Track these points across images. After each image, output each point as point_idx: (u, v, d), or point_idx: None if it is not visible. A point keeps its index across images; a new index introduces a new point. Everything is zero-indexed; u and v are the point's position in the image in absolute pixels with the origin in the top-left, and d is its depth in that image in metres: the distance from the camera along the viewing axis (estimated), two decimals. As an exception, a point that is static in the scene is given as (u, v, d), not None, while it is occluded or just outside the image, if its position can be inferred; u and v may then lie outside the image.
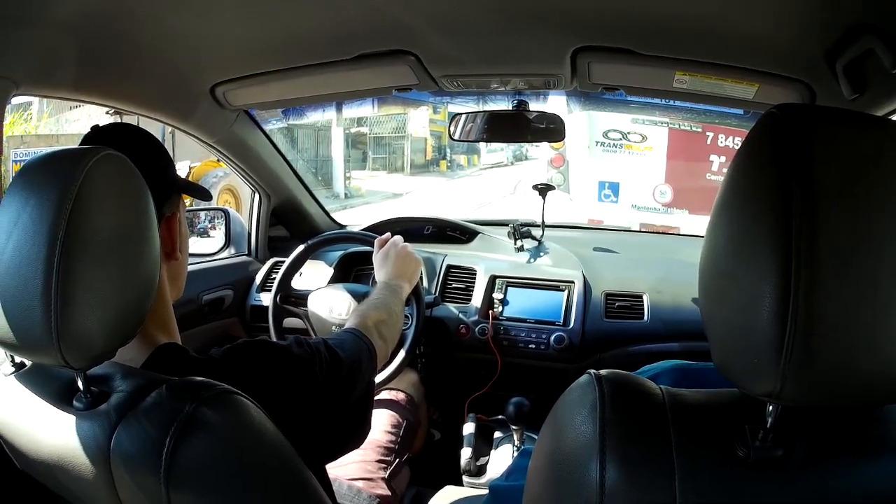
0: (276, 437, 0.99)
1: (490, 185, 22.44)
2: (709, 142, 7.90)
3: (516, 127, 2.39)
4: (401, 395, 2.45)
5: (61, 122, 12.01)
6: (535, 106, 2.32)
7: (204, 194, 1.48)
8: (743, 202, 0.70)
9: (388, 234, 2.16)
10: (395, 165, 27.03)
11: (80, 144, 1.18)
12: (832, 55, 1.46)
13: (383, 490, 2.03)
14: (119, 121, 1.37)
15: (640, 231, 3.84)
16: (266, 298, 2.73)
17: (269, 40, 1.79)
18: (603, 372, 0.81)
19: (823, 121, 0.69)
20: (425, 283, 2.69)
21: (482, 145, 27.25)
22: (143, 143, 1.24)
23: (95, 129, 1.23)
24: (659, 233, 3.92)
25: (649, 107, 8.04)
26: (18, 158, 6.94)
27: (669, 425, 0.75)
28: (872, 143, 0.68)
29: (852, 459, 0.75)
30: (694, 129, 8.00)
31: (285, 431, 1.01)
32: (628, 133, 8.28)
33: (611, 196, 8.48)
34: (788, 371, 0.65)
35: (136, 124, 1.28)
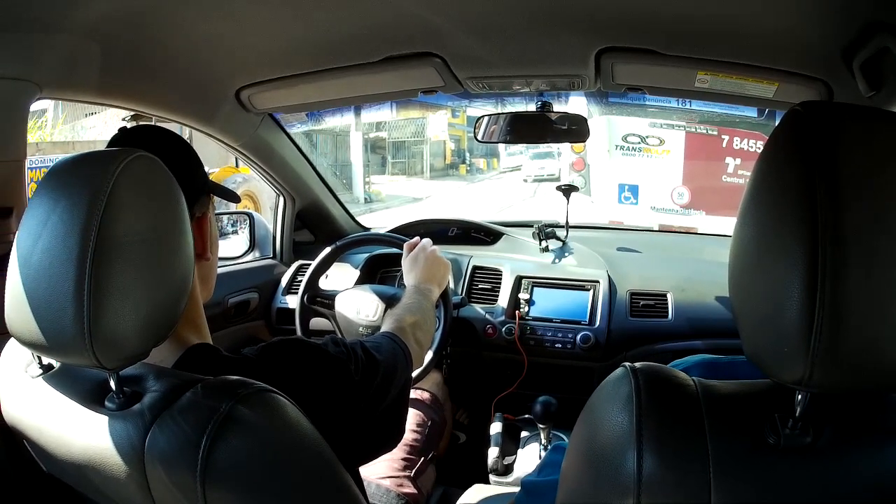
0: (314, 435, 0.99)
1: (510, 189, 22.57)
2: (724, 144, 8.02)
3: (540, 128, 2.38)
4: (426, 395, 2.45)
5: (77, 128, 12.05)
6: (556, 108, 2.32)
7: (232, 196, 1.49)
8: (770, 196, 0.73)
9: (416, 238, 2.16)
10: (414, 169, 26.99)
11: (108, 146, 1.19)
12: (849, 54, 1.47)
13: (410, 489, 2.04)
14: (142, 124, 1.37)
15: (661, 231, 3.82)
16: (292, 301, 2.75)
17: (296, 44, 1.80)
18: (637, 365, 0.83)
19: (845, 117, 0.71)
20: (451, 285, 2.69)
21: (502, 148, 27.26)
22: (171, 145, 1.24)
23: (123, 130, 1.25)
24: (680, 232, 3.90)
25: (666, 110, 8.34)
26: (34, 165, 6.93)
27: (703, 415, 0.76)
28: (893, 138, 0.70)
29: (879, 444, 0.76)
30: (710, 132, 8.16)
31: (320, 431, 1.01)
32: (647, 137, 8.44)
33: (630, 198, 8.58)
34: (816, 358, 0.67)
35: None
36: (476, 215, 3.38)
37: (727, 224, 6.00)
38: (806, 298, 0.66)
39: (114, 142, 1.21)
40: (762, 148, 0.76)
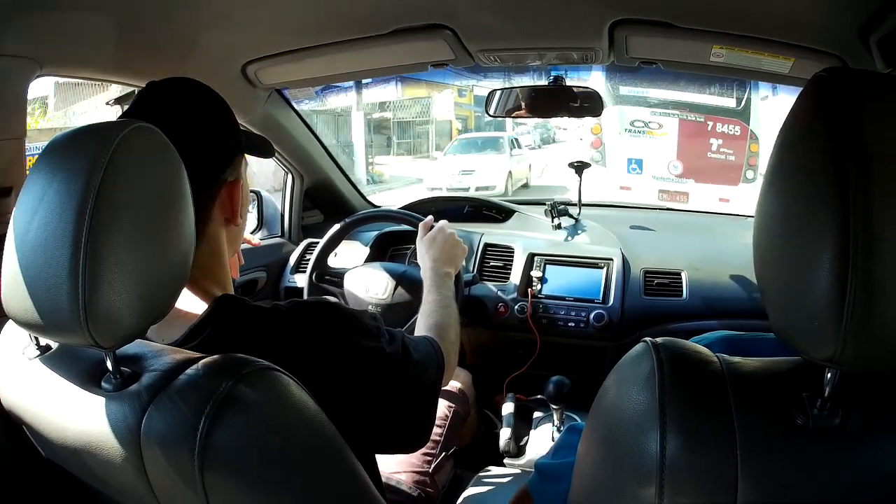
0: (318, 416, 0.96)
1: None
2: (709, 128, 10.44)
3: (555, 101, 2.39)
4: (451, 389, 2.40)
5: (69, 114, 12.05)
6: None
7: (266, 147, 1.48)
8: (796, 168, 0.70)
9: (431, 218, 2.10)
10: (420, 150, 26.60)
11: (133, 101, 1.18)
12: (866, 30, 1.46)
13: (427, 486, 2.00)
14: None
15: (676, 209, 3.84)
16: (300, 280, 2.73)
17: (304, 16, 1.79)
18: (659, 340, 0.80)
19: (873, 83, 0.68)
20: (463, 262, 2.67)
21: (510, 128, 27.01)
22: (209, 103, 1.22)
23: (152, 85, 1.21)
24: (693, 211, 3.89)
25: (664, 103, 10.79)
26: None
27: (729, 393, 0.73)
28: None
29: None
30: (698, 119, 10.55)
31: (333, 407, 0.98)
32: (649, 122, 10.81)
33: (636, 169, 10.96)
34: (849, 334, 0.64)
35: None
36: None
37: (713, 190, 10.17)
38: (837, 272, 0.64)
39: (140, 96, 1.20)
40: (784, 118, 0.74)
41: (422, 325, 1.62)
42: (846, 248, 0.63)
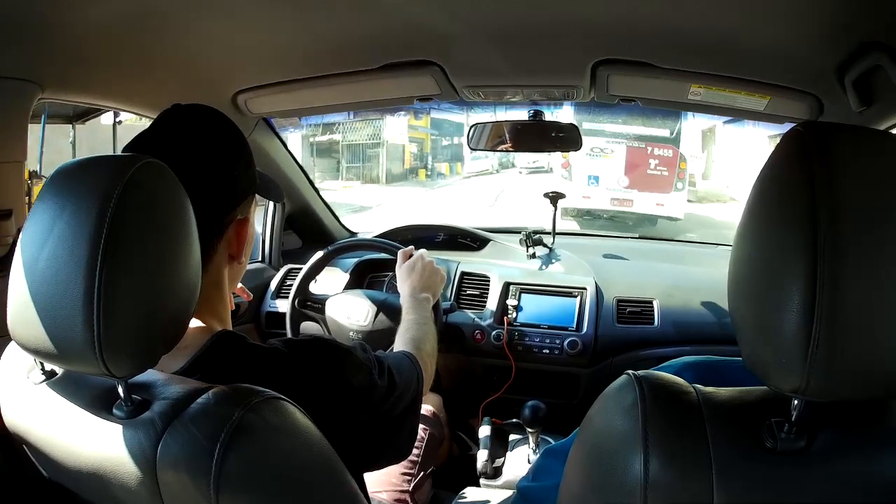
0: (323, 442, 1.00)
1: (470, 195, 21.68)
2: (649, 152, 14.16)
3: (537, 135, 2.44)
4: (427, 410, 2.44)
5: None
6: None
7: (277, 193, 1.48)
8: (771, 212, 0.76)
9: (412, 247, 2.15)
10: (370, 175, 25.96)
11: (152, 125, 1.20)
12: (842, 70, 1.51)
13: (407, 502, 2.04)
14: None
15: (648, 238, 3.89)
16: (282, 305, 2.74)
17: (296, 49, 1.81)
18: (640, 373, 0.86)
19: (847, 139, 0.74)
20: (441, 289, 2.70)
21: (466, 153, 26.39)
22: (226, 138, 1.23)
23: (174, 108, 1.23)
24: (666, 240, 3.97)
25: (615, 134, 14.39)
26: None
27: (705, 421, 0.79)
28: (891, 158, 0.73)
29: (873, 449, 0.80)
30: (639, 145, 14.24)
31: (331, 435, 1.02)
32: (603, 149, 14.26)
33: (594, 183, 14.37)
34: (814, 368, 0.70)
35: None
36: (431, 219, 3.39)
37: (651, 197, 14.05)
38: (805, 310, 0.70)
39: (162, 117, 1.21)
40: (763, 164, 0.79)
41: (399, 342, 1.68)
42: (813, 293, 0.69)
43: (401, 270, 2.06)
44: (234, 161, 1.23)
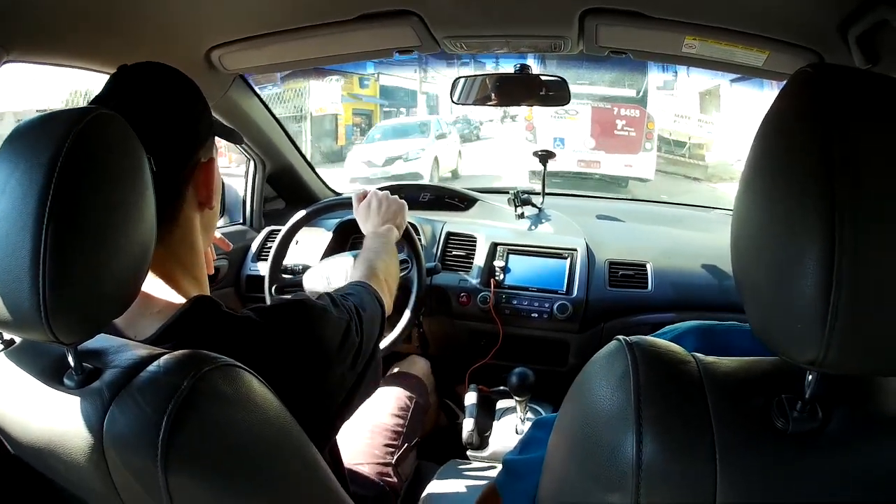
0: (282, 413, 0.95)
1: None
2: (615, 113, 13.78)
3: (523, 89, 2.40)
4: (411, 379, 2.41)
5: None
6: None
7: (235, 136, 1.45)
8: (777, 166, 0.68)
9: (363, 189, 2.12)
10: None
11: (106, 84, 1.16)
12: (845, 25, 1.44)
13: (391, 477, 1.99)
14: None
15: (644, 200, 3.85)
16: (262, 267, 2.68)
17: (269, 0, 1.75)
18: (633, 339, 0.78)
19: (858, 80, 0.66)
20: (424, 243, 2.68)
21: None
22: (179, 86, 1.20)
23: (123, 68, 1.19)
24: (662, 202, 3.91)
25: (579, 95, 13.48)
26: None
27: (707, 395, 0.72)
28: None
29: (891, 430, 0.72)
30: (605, 106, 13.84)
31: (307, 395, 1.03)
32: (568, 110, 13.48)
33: (560, 145, 13.51)
34: (833, 338, 0.62)
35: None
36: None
37: (619, 158, 13.61)
38: (822, 275, 0.61)
39: (113, 80, 1.17)
40: (765, 113, 0.71)
41: (355, 271, 1.67)
42: (831, 249, 0.60)
43: (358, 213, 2.04)
44: (191, 104, 1.20)
